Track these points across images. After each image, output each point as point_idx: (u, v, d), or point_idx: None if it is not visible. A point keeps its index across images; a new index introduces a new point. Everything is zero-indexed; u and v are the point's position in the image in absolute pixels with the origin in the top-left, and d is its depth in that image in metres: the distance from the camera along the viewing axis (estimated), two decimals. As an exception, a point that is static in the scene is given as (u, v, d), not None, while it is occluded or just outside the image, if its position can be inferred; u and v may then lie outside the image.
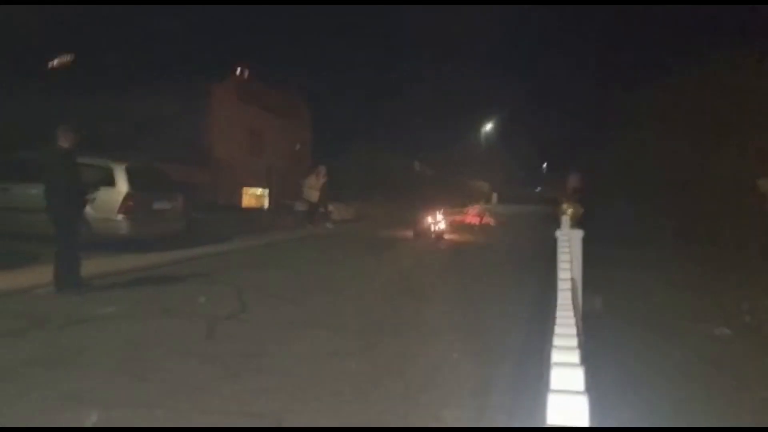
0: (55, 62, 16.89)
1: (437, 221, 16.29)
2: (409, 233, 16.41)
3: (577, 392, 1.06)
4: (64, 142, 7.30)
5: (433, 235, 15.68)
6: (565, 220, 6.40)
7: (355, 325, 6.40)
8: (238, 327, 6.11)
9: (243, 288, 7.99)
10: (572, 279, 3.26)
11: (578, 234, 5.36)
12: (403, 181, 31.72)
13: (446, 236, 16.17)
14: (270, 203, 23.75)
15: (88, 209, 7.94)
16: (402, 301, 7.84)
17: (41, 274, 7.50)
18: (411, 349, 5.51)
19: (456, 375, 4.82)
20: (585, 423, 1.04)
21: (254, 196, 25.19)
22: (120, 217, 10.06)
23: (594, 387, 1.20)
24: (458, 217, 23.26)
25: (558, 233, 5.12)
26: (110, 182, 10.09)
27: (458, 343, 5.71)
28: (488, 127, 48.96)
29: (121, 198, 10.09)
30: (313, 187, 18.04)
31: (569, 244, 4.64)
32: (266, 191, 24.40)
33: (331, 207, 19.29)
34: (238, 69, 25.52)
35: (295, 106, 30.44)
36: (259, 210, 21.97)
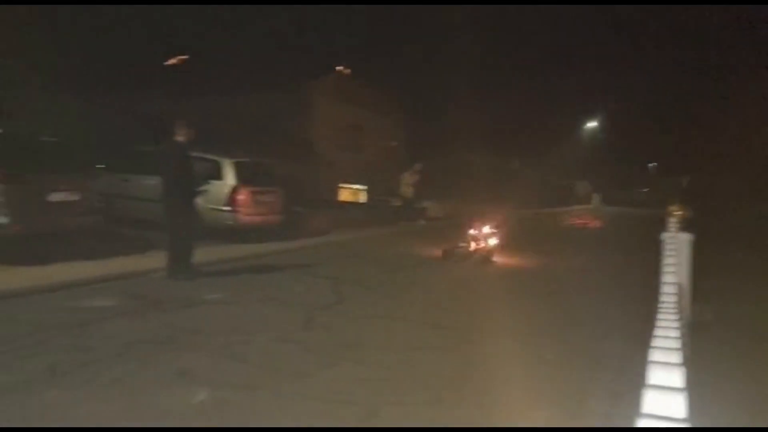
0: (171, 61, 18.06)
1: (482, 236, 11.45)
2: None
3: (675, 389, 1.04)
4: (180, 137, 7.81)
5: (474, 255, 11.13)
6: (673, 222, 6.09)
7: (448, 322, 6.43)
8: (334, 318, 6.30)
9: (339, 280, 8.21)
10: (678, 284, 3.13)
11: (687, 237, 5.09)
12: (500, 180, 31.24)
13: (496, 258, 11.23)
14: (366, 199, 24.17)
15: (198, 200, 8.45)
16: (496, 299, 7.77)
17: (157, 260, 8.06)
18: (504, 348, 5.47)
19: (549, 376, 4.74)
20: (680, 422, 1.03)
21: (351, 191, 25.72)
22: (227, 208, 10.62)
23: (691, 389, 1.18)
24: (568, 219, 22.60)
25: (664, 236, 4.89)
26: (219, 175, 10.67)
27: (552, 345, 5.60)
28: (592, 125, 47.11)
29: (228, 190, 10.66)
30: (408, 184, 18.17)
31: (677, 247, 4.43)
32: (363, 187, 24.82)
33: (425, 204, 19.35)
34: (339, 66, 26.10)
35: (392, 104, 30.74)
36: (355, 205, 22.40)
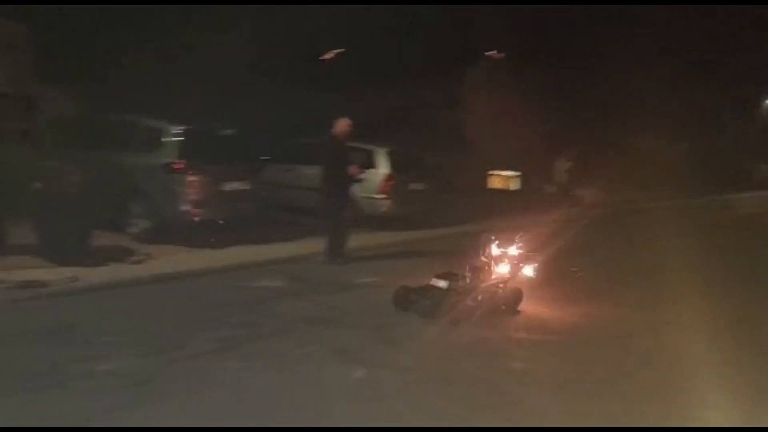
0: (328, 55, 18.96)
1: (502, 261, 6.04)
2: None
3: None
4: (337, 129, 8.25)
5: (464, 305, 5.58)
6: None
7: (609, 313, 6.18)
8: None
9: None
10: None
11: None
12: (666, 164, 28.97)
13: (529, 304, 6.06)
14: (518, 186, 23.68)
15: (354, 189, 8.85)
16: (673, 293, 7.19)
17: (316, 245, 8.58)
18: (672, 345, 5.14)
19: (722, 378, 4.36)
20: None
21: (502, 178, 25.33)
22: (380, 196, 11.00)
23: None
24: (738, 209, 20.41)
25: None
26: (373, 165, 11.07)
27: (726, 343, 5.14)
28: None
29: (381, 179, 11.03)
30: (563, 170, 17.59)
31: None
32: (514, 174, 24.37)
33: (581, 191, 18.58)
34: (490, 51, 25.71)
35: (547, 87, 29.68)
36: (506, 192, 22.07)
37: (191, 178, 8.53)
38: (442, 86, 20.82)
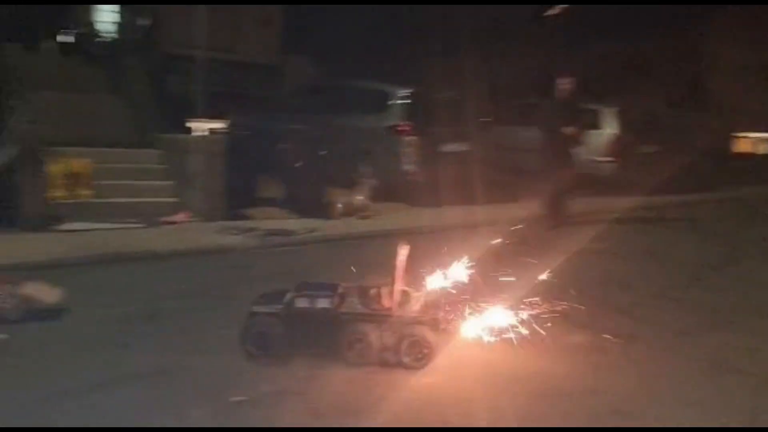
0: (552, 11, 18.13)
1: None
2: None
3: None
4: (561, 88, 7.93)
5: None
6: None
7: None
8: (723, 279, 5.74)
9: (732, 240, 7.34)
10: None
11: None
12: None
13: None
14: (771, 149, 20.63)
15: (578, 151, 8.47)
16: None
17: (536, 207, 8.39)
18: None
19: None
20: None
21: (750, 141, 22.23)
22: (607, 158, 10.38)
23: None
24: None
25: None
26: (598, 125, 10.45)
27: None
28: None
29: (607, 140, 10.39)
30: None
31: None
32: (766, 136, 21.26)
33: None
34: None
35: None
36: (754, 157, 19.36)
37: (413, 139, 8.88)
38: (681, 36, 18.71)
